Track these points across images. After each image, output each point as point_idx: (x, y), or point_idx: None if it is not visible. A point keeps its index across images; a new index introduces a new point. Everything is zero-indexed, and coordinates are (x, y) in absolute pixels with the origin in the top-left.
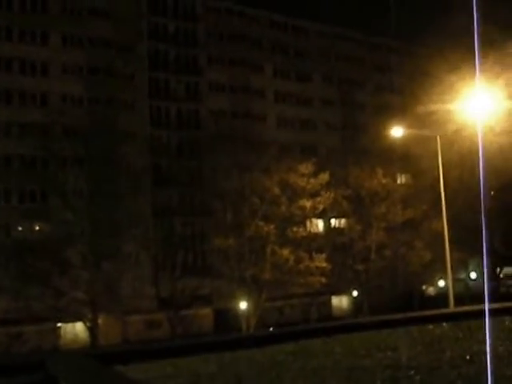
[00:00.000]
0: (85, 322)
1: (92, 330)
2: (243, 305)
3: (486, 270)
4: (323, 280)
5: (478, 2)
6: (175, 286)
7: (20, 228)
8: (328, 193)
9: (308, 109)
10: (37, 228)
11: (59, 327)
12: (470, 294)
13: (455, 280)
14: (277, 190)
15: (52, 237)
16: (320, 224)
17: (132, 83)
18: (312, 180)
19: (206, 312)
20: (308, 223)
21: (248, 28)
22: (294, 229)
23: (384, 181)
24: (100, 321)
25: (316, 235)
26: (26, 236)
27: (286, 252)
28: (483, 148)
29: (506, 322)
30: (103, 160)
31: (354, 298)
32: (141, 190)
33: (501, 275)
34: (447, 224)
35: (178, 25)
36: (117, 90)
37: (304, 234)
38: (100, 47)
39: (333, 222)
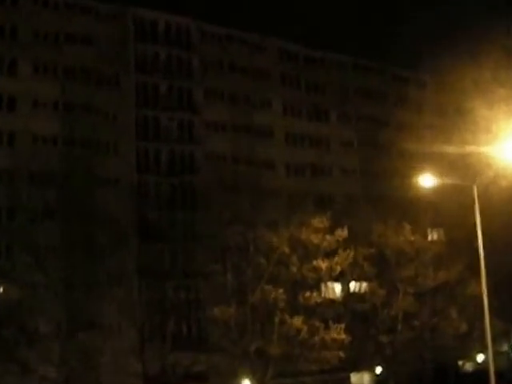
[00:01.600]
0: None
1: None
2: None
3: None
4: (341, 354)
5: None
6: (165, 361)
7: None
8: (346, 252)
9: (323, 152)
10: (0, 290)
11: None
12: None
13: (496, 354)
14: (286, 249)
15: (19, 301)
16: (337, 288)
17: (116, 121)
18: (328, 236)
19: None
20: (323, 287)
21: (252, 57)
22: (307, 294)
23: (412, 238)
24: None
25: (332, 302)
26: None
27: (297, 321)
28: None
29: None
30: (80, 211)
31: (378, 375)
32: (125, 246)
33: None
34: (487, 288)
35: (170, 53)
36: (97, 129)
37: (318, 300)
38: (78, 78)
39: (352, 286)
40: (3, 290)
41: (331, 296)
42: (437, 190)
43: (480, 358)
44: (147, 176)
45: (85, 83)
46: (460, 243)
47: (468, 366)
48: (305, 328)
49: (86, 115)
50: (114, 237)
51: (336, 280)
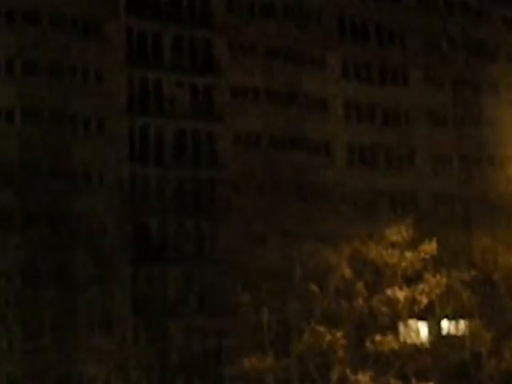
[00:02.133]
0: None
1: None
2: None
3: None
4: None
5: None
6: None
7: None
8: (436, 275)
9: (401, 131)
10: None
11: None
12: None
13: None
14: (348, 271)
15: None
16: (423, 329)
17: (98, 86)
18: (409, 253)
19: None
20: (401, 328)
21: None
22: (378, 338)
23: None
24: None
25: (416, 349)
26: None
27: (363, 378)
28: None
29: None
30: (47, 221)
31: None
32: (112, 271)
33: None
34: None
35: None
36: (70, 98)
37: (395, 346)
38: (43, 24)
39: (445, 325)
40: None
41: (413, 340)
42: None
43: None
44: (144, 167)
45: (54, 31)
46: None
47: None
48: None
49: (53, 78)
50: (96, 259)
51: (421, 317)
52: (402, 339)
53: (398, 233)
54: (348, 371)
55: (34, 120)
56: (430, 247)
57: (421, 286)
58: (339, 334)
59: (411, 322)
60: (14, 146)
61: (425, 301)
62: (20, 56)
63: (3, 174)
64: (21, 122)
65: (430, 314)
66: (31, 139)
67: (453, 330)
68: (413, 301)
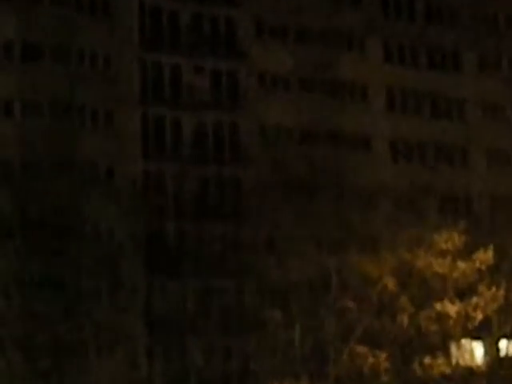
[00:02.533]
0: None
1: None
2: None
3: None
4: None
5: None
6: None
7: None
8: (493, 288)
9: (453, 123)
10: None
11: None
12: None
13: None
14: (391, 283)
15: None
16: (478, 350)
17: (107, 72)
18: (461, 263)
19: None
20: (453, 348)
21: None
22: (427, 360)
23: None
24: None
25: (470, 372)
26: None
27: None
28: None
29: None
30: (49, 225)
31: None
32: (123, 283)
33: None
34: None
35: None
36: (75, 86)
37: (446, 369)
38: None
39: (503, 345)
40: None
41: (467, 363)
42: None
43: None
44: (159, 164)
45: (57, 11)
46: None
47: None
48: None
49: (56, 64)
50: (104, 269)
51: (475, 336)
52: (453, 361)
53: (449, 239)
54: None
55: (35, 112)
56: (485, 256)
57: (475, 300)
58: (382, 356)
59: (464, 341)
60: (12, 141)
61: (480, 317)
62: (19, 39)
63: (0, 173)
64: (20, 115)
65: (485, 333)
66: (32, 134)
67: None
68: (466, 317)
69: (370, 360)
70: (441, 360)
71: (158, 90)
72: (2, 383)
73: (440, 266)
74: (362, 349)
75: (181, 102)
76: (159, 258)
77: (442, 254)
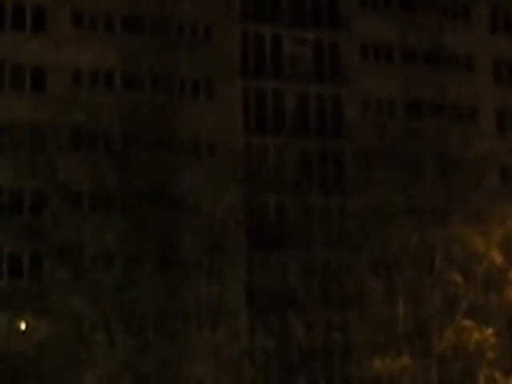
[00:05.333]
0: None
1: None
2: None
3: None
4: None
5: None
6: None
7: None
8: None
9: None
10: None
11: None
12: None
13: None
14: (499, 258)
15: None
16: None
17: (206, 43)
18: None
19: None
20: None
21: None
22: None
23: None
24: None
25: None
26: None
27: None
28: None
29: None
30: (146, 196)
31: None
32: (224, 257)
33: None
34: None
35: None
36: (171, 59)
37: None
38: None
39: None
40: (28, 325)
41: None
42: None
43: None
44: (261, 137)
45: None
46: None
47: None
48: None
49: (156, 34)
50: (205, 243)
51: None
52: None
53: None
54: (497, 375)
55: (136, 84)
56: None
57: None
58: (489, 332)
59: None
60: (113, 113)
61: None
62: (119, 10)
63: (101, 146)
64: (121, 87)
65: None
66: (132, 106)
67: None
68: None
69: (476, 336)
70: None
71: (260, 62)
72: (103, 353)
73: None
74: (467, 324)
75: (282, 74)
76: (260, 232)
77: None
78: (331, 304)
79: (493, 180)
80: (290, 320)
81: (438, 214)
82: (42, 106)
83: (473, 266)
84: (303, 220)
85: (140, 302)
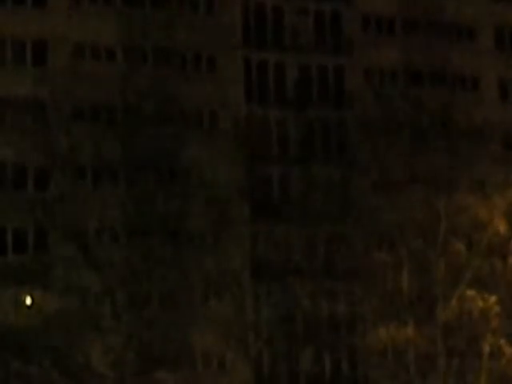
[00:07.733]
0: None
1: None
2: None
3: None
4: None
5: None
6: None
7: None
8: None
9: None
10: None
11: None
12: None
13: None
14: (502, 227)
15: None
16: None
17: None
18: None
19: None
20: None
21: None
22: None
23: None
24: None
25: None
26: None
27: None
28: None
29: None
30: (150, 168)
31: None
32: (229, 227)
33: None
34: None
35: None
36: (171, 28)
37: None
38: None
39: None
40: (33, 300)
41: None
42: None
43: None
44: (263, 108)
45: None
46: None
47: None
48: None
49: (156, 9)
50: (209, 215)
51: None
52: None
53: None
54: (503, 343)
55: (137, 58)
56: None
57: None
58: (493, 300)
59: None
60: (115, 87)
61: None
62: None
63: (105, 119)
64: (123, 60)
65: None
66: (134, 79)
67: None
68: None
69: (480, 304)
70: None
71: (261, 33)
72: (109, 326)
73: None
74: (471, 292)
75: (284, 45)
76: (264, 204)
77: None
78: (336, 275)
79: (495, 148)
80: (295, 291)
81: (442, 182)
82: (44, 80)
83: (477, 234)
84: (307, 192)
85: (145, 275)
